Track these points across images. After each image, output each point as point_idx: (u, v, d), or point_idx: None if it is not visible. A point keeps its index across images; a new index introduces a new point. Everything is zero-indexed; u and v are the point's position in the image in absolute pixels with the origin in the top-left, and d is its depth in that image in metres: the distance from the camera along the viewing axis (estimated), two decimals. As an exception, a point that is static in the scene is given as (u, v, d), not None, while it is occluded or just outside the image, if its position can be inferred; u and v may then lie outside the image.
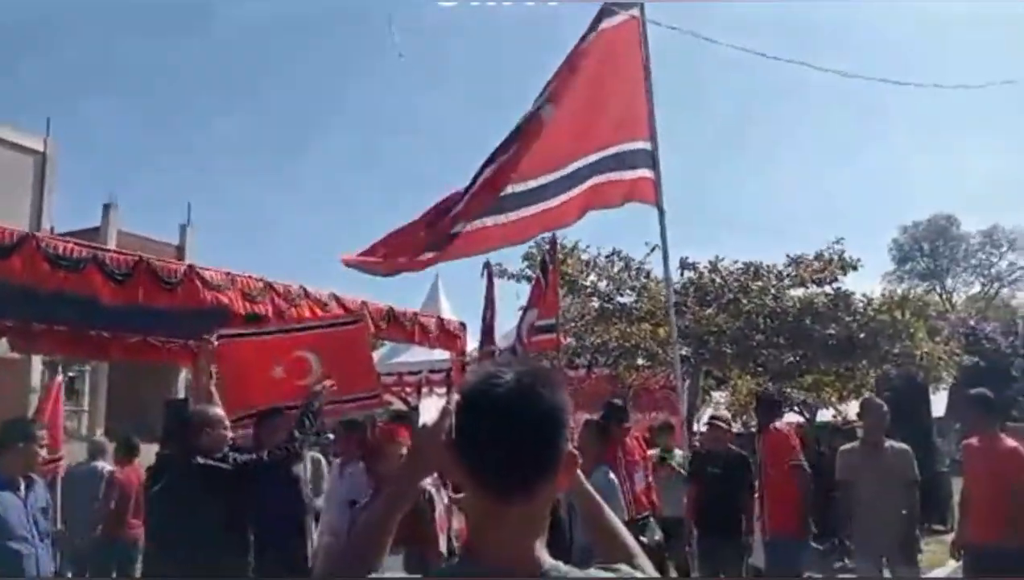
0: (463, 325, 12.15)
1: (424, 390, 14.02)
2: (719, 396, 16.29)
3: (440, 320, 11.54)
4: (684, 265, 12.71)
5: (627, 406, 13.39)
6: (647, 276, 12.63)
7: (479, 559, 1.18)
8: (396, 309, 11.08)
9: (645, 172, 5.80)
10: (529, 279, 10.94)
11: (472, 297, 7.27)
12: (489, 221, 5.39)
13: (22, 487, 4.17)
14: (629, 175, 5.91)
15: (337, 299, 9.59)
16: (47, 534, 4.24)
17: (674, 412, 12.98)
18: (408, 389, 14.93)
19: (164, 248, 18.95)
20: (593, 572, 1.23)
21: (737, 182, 68.23)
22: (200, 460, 3.97)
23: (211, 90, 63.44)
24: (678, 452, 7.67)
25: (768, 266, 13.24)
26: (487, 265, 8.39)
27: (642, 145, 5.81)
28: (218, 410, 4.47)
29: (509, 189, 5.35)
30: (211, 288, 7.96)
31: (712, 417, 6.90)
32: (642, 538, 5.66)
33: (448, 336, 11.67)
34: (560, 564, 1.20)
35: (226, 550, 3.87)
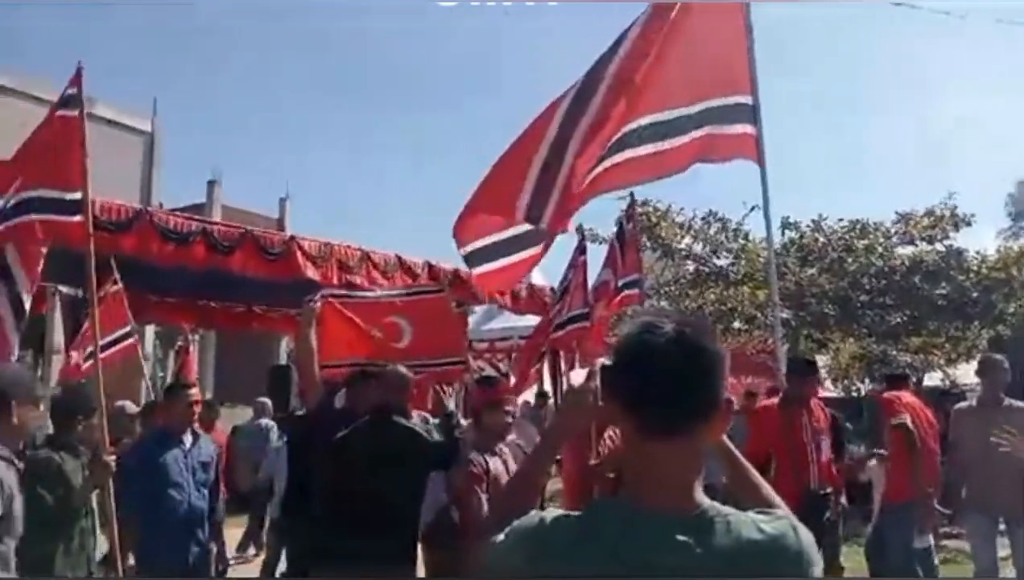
0: (553, 290, 12.16)
1: (515, 356, 14.09)
2: (820, 360, 15.79)
3: (530, 286, 11.57)
4: (785, 225, 12.26)
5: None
6: (745, 237, 12.26)
7: (641, 497, 1.25)
8: (461, 271, 11.19)
9: (747, 127, 5.55)
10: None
11: (563, 262, 7.18)
12: (599, 167, 5.32)
13: (188, 441, 4.54)
14: (732, 130, 5.68)
15: (431, 267, 9.75)
16: (204, 484, 4.57)
17: (770, 377, 12.66)
18: (499, 355, 15.08)
19: (265, 221, 19.55)
20: (751, 514, 1.27)
21: (842, 137, 65.30)
22: (401, 420, 4.11)
23: (303, 65, 64.92)
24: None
25: (875, 224, 12.65)
26: (580, 229, 8.30)
27: (743, 100, 5.57)
28: None
29: (617, 134, 5.26)
30: (310, 258, 8.23)
31: None
32: (828, 515, 5.42)
33: (538, 301, 11.72)
34: (716, 503, 1.26)
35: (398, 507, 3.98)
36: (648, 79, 5.32)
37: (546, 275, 12.24)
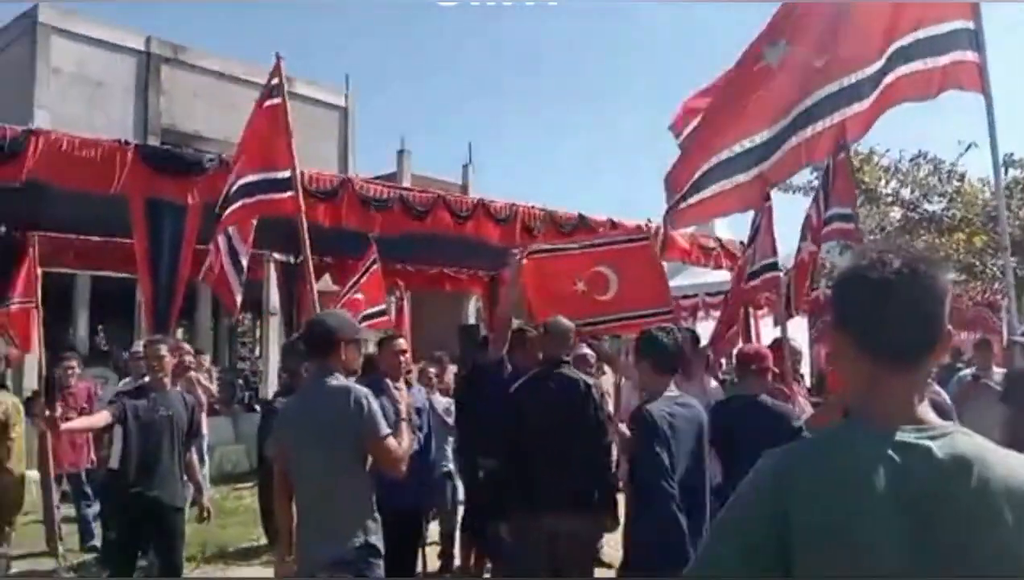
0: (743, 244, 11.67)
1: (700, 314, 13.69)
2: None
3: (719, 240, 11.17)
4: (1008, 162, 10.92)
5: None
6: (960, 179, 11.08)
7: (872, 418, 1.30)
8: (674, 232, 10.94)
9: (966, 54, 4.98)
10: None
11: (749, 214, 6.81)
12: (809, 130, 5.10)
13: (402, 389, 4.71)
14: (942, 60, 5.13)
15: (614, 224, 9.67)
16: (419, 428, 4.83)
17: (989, 331, 11.47)
18: (684, 313, 14.72)
19: (451, 187, 20.24)
20: (962, 433, 1.30)
21: (1069, 61, 57.26)
22: (566, 371, 4.14)
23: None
24: (997, 371, 6.73)
25: (1118, 156, 11.00)
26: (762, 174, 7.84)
27: (960, 25, 4.99)
28: None
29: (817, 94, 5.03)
30: (496, 220, 8.42)
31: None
32: None
33: (728, 256, 11.31)
34: (945, 424, 1.31)
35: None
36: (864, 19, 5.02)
37: (733, 229, 11.76)
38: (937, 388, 5.08)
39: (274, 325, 16.13)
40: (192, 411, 4.63)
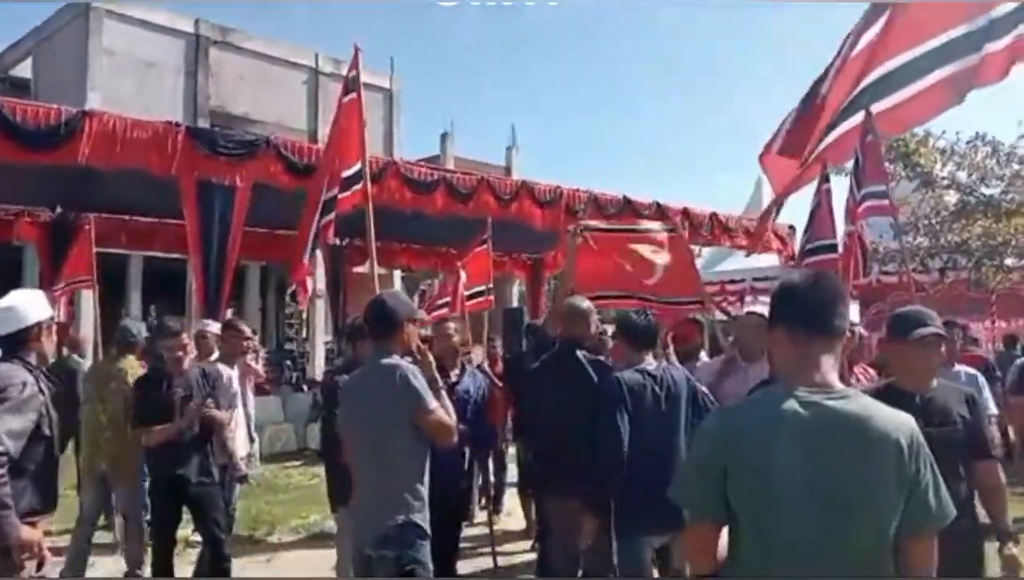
0: (792, 229, 11.45)
1: (748, 299, 13.47)
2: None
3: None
4: (1072, 145, 10.55)
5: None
6: (1020, 162, 10.69)
7: (791, 383, 1.81)
8: (719, 214, 10.79)
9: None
10: None
11: (800, 197, 6.66)
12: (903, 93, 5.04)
13: (454, 375, 4.71)
14: (1007, 42, 4.94)
15: (659, 206, 9.56)
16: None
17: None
18: (731, 298, 14.50)
19: (495, 170, 20.21)
20: (860, 391, 1.91)
21: None
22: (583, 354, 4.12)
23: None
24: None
25: None
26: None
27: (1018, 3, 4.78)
28: None
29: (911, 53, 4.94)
30: (540, 202, 8.38)
31: None
32: None
33: (776, 240, 11.11)
34: (847, 388, 1.85)
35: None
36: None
37: (786, 213, 11.52)
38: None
39: (320, 307, 16.35)
40: (214, 385, 4.63)
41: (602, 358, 4.22)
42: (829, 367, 1.82)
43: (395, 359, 3.14)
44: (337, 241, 9.45)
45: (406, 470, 3.09)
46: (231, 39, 18.17)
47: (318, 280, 11.33)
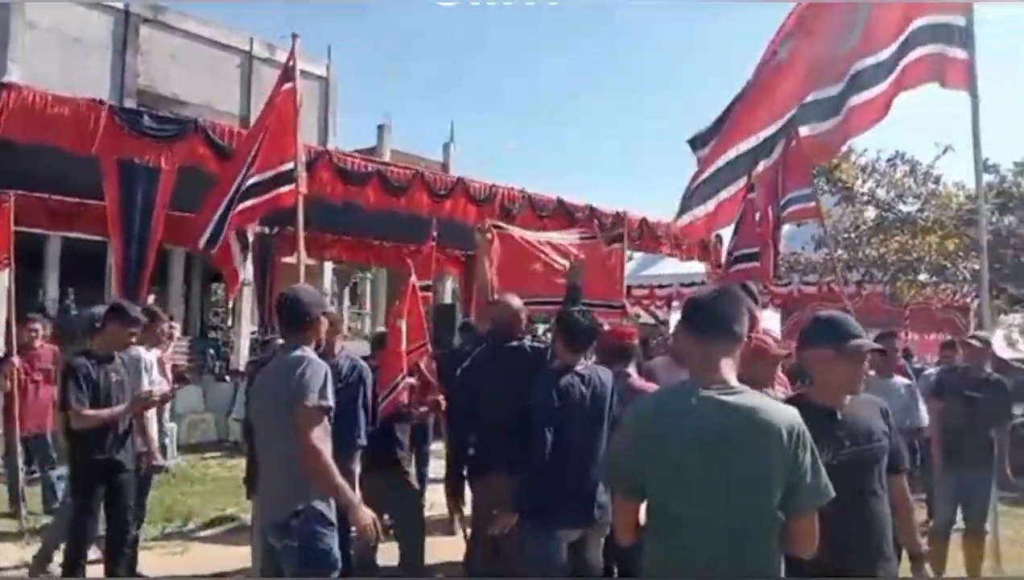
0: (719, 237, 11.71)
1: (675, 304, 13.78)
2: (1016, 318, 14.34)
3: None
4: (984, 167, 11.08)
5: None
6: (936, 181, 11.20)
7: (697, 381, 2.13)
8: (649, 220, 10.96)
9: (955, 51, 5.01)
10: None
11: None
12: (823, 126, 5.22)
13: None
14: (929, 49, 5.19)
15: (593, 210, 9.66)
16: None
17: (956, 332, 11.63)
18: (659, 302, 14.80)
19: (432, 165, 20.12)
20: (749, 391, 2.13)
21: (1047, 71, 57.98)
22: (513, 343, 4.17)
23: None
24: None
25: (1090, 166, 11.17)
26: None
27: (949, 19, 5.02)
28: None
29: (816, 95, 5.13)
30: (475, 200, 8.38)
31: (971, 335, 6.03)
32: None
33: (703, 248, 11.36)
34: (741, 385, 2.12)
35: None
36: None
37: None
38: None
39: (247, 296, 16.01)
40: (139, 370, 4.67)
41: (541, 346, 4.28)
42: (728, 368, 2.13)
43: (303, 351, 3.15)
44: (265, 230, 9.29)
45: (295, 459, 3.05)
46: (163, 18, 17.61)
47: (246, 269, 11.09)
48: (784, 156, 5.76)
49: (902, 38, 5.06)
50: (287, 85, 5.23)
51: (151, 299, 9.21)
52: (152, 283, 7.50)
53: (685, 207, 5.47)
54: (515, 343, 4.16)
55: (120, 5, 16.92)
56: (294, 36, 5.20)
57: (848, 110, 5.30)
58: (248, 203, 5.19)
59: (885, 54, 5.15)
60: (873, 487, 2.59)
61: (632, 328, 5.24)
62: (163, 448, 5.55)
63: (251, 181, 5.17)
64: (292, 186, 5.19)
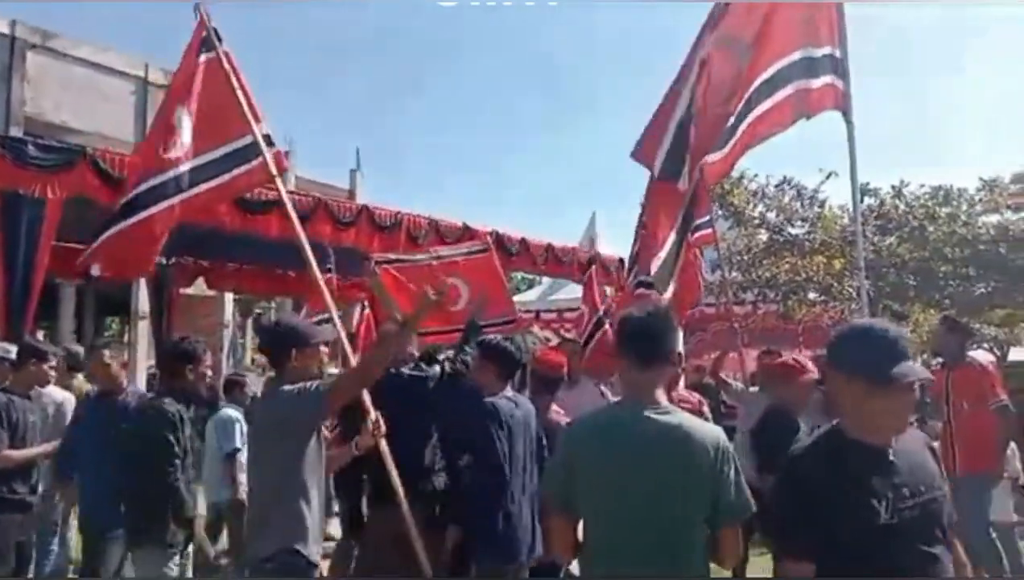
0: (622, 261, 12.03)
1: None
2: (899, 333, 15.21)
3: (597, 255, 11.49)
4: (864, 191, 11.83)
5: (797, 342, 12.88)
6: (821, 205, 11.90)
7: (629, 400, 2.31)
8: (555, 245, 11.18)
9: (832, 79, 5.37)
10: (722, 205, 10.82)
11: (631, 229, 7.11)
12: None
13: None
14: (820, 82, 5.53)
15: (498, 235, 9.78)
16: None
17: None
18: (567, 325, 15.03)
19: (338, 192, 19.90)
20: (679, 411, 2.31)
21: (924, 102, 62.39)
22: (403, 371, 4.24)
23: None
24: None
25: (959, 190, 12.13)
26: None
27: (827, 51, 5.38)
28: None
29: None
30: (380, 227, 8.36)
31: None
32: None
33: (605, 273, 11.64)
34: (671, 406, 2.29)
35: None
36: (759, 38, 5.38)
37: (618, 245, 12.13)
38: None
39: (143, 329, 15.38)
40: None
41: (422, 374, 4.32)
42: (657, 387, 2.27)
43: (287, 387, 3.10)
44: (163, 260, 8.99)
45: (281, 494, 3.02)
46: (53, 44, 16.91)
47: (141, 300, 10.71)
48: (694, 187, 6.05)
49: (780, 65, 5.36)
50: (206, 56, 4.51)
51: (40, 335, 8.75)
52: (41, 319, 7.15)
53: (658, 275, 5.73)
54: (392, 370, 4.10)
55: (6, 31, 16.17)
56: (200, 8, 4.53)
57: (740, 132, 5.58)
58: (208, 186, 4.41)
59: (768, 74, 5.43)
60: (936, 551, 1.96)
61: (562, 357, 5.17)
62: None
63: (201, 161, 4.40)
64: (260, 160, 4.43)
